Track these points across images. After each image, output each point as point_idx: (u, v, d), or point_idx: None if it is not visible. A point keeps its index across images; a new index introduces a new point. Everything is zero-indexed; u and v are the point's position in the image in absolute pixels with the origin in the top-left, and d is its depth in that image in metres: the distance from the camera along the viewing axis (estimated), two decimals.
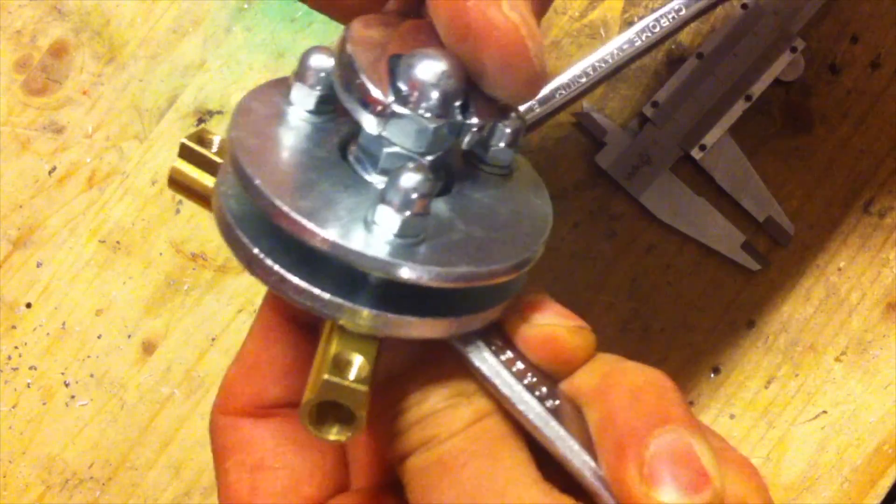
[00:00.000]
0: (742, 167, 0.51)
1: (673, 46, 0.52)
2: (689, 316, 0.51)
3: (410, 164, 0.24)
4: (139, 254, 0.52)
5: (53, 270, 0.52)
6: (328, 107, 0.27)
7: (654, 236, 0.51)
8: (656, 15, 0.52)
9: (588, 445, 0.24)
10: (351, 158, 0.26)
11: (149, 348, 0.52)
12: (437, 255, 0.24)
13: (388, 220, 0.23)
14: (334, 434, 0.22)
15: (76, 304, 0.52)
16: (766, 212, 0.51)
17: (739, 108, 0.51)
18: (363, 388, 0.22)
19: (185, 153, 0.30)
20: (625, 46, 0.52)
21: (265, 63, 0.53)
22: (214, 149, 0.30)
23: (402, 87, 0.25)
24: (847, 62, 0.52)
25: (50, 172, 0.52)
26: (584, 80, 0.52)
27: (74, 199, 0.52)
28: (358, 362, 0.23)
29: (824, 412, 0.50)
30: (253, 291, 0.52)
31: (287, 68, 0.53)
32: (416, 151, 0.25)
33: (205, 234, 0.52)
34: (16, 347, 0.52)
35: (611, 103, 0.52)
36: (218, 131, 0.54)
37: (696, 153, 0.50)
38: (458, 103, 0.25)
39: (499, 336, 0.25)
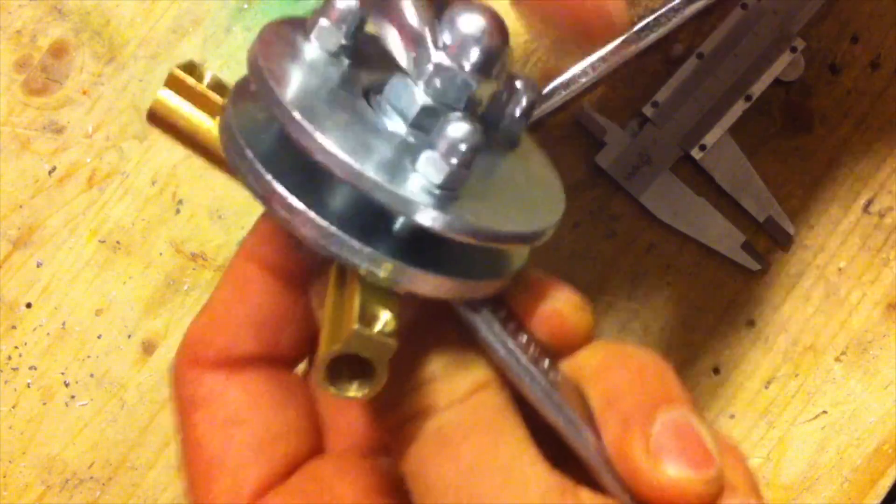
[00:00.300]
0: (742, 167, 0.51)
1: (673, 46, 0.52)
2: (689, 316, 0.51)
3: (457, 115, 0.23)
4: (139, 254, 0.52)
5: (53, 270, 0.52)
6: (349, 51, 0.26)
7: (654, 236, 0.51)
8: (656, 15, 0.52)
9: (588, 422, 0.23)
10: (374, 107, 0.25)
11: (149, 348, 0.52)
12: (475, 212, 0.23)
13: (433, 169, 0.22)
14: (353, 391, 0.21)
15: (76, 304, 0.52)
16: (766, 212, 0.51)
17: (739, 108, 0.51)
18: (392, 342, 0.21)
19: (174, 84, 0.28)
20: (625, 46, 0.52)
21: None
22: (205, 82, 0.28)
23: (447, 37, 0.24)
24: (847, 62, 0.52)
25: (50, 172, 0.52)
26: (584, 79, 0.52)
27: (74, 199, 0.52)
28: (385, 316, 0.21)
29: (824, 412, 0.50)
30: None
31: None
32: (450, 106, 0.24)
33: (205, 234, 0.52)
34: (16, 347, 0.52)
35: (611, 103, 0.52)
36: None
37: (696, 153, 0.50)
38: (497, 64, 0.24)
39: (503, 308, 0.25)
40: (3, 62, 0.53)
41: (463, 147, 0.22)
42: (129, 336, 0.52)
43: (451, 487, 0.21)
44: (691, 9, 0.52)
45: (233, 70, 0.53)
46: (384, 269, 0.23)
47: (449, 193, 0.23)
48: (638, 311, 0.51)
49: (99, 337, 0.52)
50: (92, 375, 0.52)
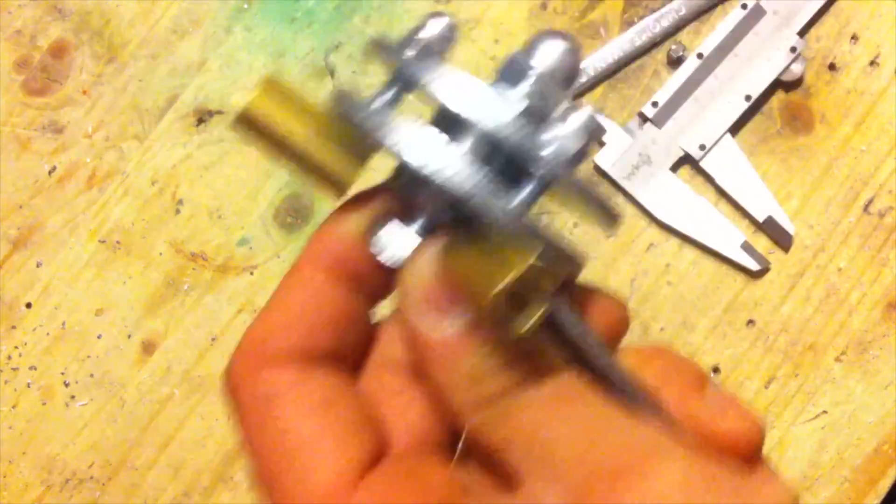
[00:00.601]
0: (742, 167, 0.51)
1: (673, 46, 0.52)
2: (689, 316, 0.51)
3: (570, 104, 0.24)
4: (139, 254, 0.52)
5: (53, 270, 0.52)
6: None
7: (654, 236, 0.51)
8: (656, 15, 0.52)
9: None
10: None
11: (149, 348, 0.52)
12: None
13: (564, 141, 0.24)
14: (529, 323, 0.22)
15: (76, 304, 0.52)
16: (766, 212, 0.51)
17: (739, 108, 0.51)
18: (558, 276, 0.23)
19: (269, 89, 0.27)
20: (625, 46, 0.52)
21: (265, 63, 0.53)
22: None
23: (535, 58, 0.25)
24: (847, 62, 0.52)
25: (50, 172, 0.52)
26: (584, 79, 0.52)
27: (74, 199, 0.52)
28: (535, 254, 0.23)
29: (824, 412, 0.50)
30: (253, 291, 0.52)
31: (287, 68, 0.53)
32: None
33: (205, 234, 0.52)
34: (16, 347, 0.52)
35: (611, 103, 0.52)
36: (218, 130, 0.54)
37: (696, 153, 0.50)
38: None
39: (568, 296, 0.25)
40: (3, 62, 0.53)
41: (588, 128, 0.24)
42: (129, 336, 0.52)
43: (576, 441, 0.22)
44: (691, 9, 0.52)
45: (233, 70, 0.53)
46: (522, 222, 0.23)
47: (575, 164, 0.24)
48: (638, 311, 0.51)
49: (99, 337, 0.52)
50: (92, 375, 0.52)
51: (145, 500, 0.51)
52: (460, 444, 0.24)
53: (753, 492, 0.23)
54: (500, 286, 0.21)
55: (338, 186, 0.26)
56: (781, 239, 0.51)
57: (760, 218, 0.51)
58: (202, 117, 0.53)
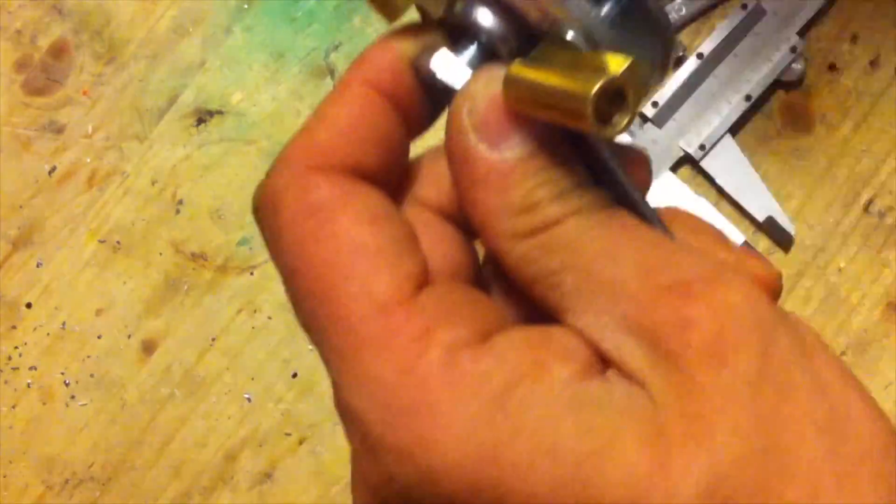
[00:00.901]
0: (742, 167, 0.51)
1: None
2: None
3: None
4: (139, 254, 0.52)
5: (53, 270, 0.52)
6: None
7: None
8: None
9: None
10: None
11: (149, 348, 0.52)
12: None
13: None
14: (619, 124, 0.22)
15: (76, 304, 0.52)
16: (766, 212, 0.51)
17: (739, 108, 0.51)
18: (646, 85, 0.23)
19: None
20: None
21: (265, 63, 0.53)
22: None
23: None
24: (847, 62, 0.52)
25: (50, 172, 0.52)
26: None
27: (74, 199, 0.52)
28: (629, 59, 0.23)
29: None
30: (253, 291, 0.52)
31: (287, 68, 0.53)
32: None
33: (205, 234, 0.52)
34: (16, 347, 0.52)
35: None
36: (218, 130, 0.54)
37: (696, 153, 0.50)
38: None
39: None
40: (3, 62, 0.53)
41: None
42: (129, 336, 0.52)
43: (638, 265, 0.23)
44: (691, 9, 0.52)
45: (233, 70, 0.53)
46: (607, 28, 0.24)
47: None
48: None
49: (99, 337, 0.52)
50: (92, 375, 0.52)
51: (145, 500, 0.51)
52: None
53: (799, 322, 0.24)
54: (602, 82, 0.21)
55: (392, 8, 0.26)
56: (781, 239, 0.51)
57: (760, 218, 0.51)
58: (202, 117, 0.53)
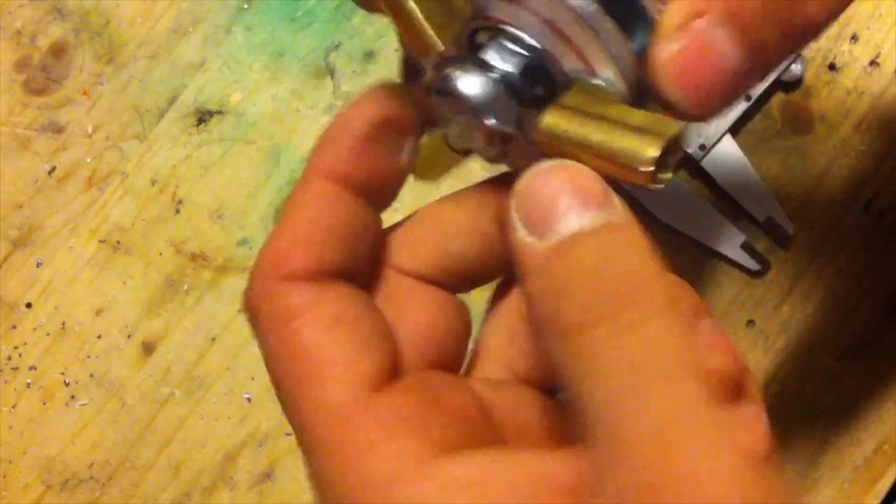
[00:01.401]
0: (742, 167, 0.51)
1: None
2: None
3: None
4: (139, 254, 0.52)
5: (53, 270, 0.52)
6: None
7: (654, 236, 0.51)
8: None
9: None
10: None
11: (149, 348, 0.52)
12: None
13: None
14: (669, 175, 0.24)
15: (76, 304, 0.52)
16: (766, 212, 0.51)
17: (739, 108, 0.51)
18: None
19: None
20: None
21: (265, 63, 0.53)
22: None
23: None
24: (847, 62, 0.52)
25: (50, 172, 0.52)
26: None
27: (74, 199, 0.52)
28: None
29: (824, 412, 0.50)
30: None
31: (287, 68, 0.53)
32: None
33: (205, 234, 0.52)
34: (16, 347, 0.52)
35: None
36: (219, 130, 0.54)
37: (696, 153, 0.50)
38: None
39: None
40: (3, 62, 0.53)
41: None
42: (129, 336, 0.52)
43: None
44: None
45: (233, 70, 0.53)
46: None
47: None
48: None
49: (99, 337, 0.52)
50: (92, 375, 0.52)
51: (145, 500, 0.51)
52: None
53: (737, 420, 0.23)
54: (663, 144, 0.22)
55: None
56: (781, 239, 0.51)
57: (760, 218, 0.51)
58: (202, 117, 0.53)
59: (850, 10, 0.52)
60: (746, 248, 0.51)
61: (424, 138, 0.28)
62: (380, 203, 0.27)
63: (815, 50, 0.52)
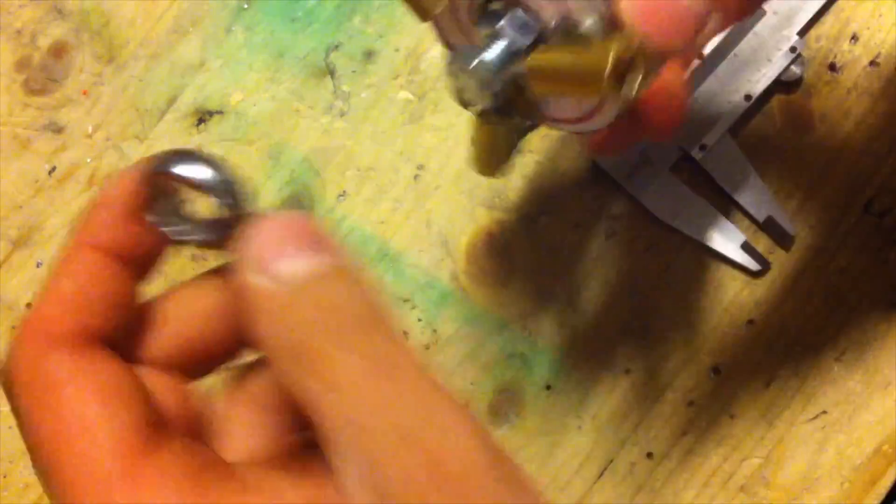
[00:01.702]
0: (742, 167, 0.51)
1: None
2: (689, 316, 0.51)
3: None
4: None
5: None
6: None
7: (654, 236, 0.51)
8: None
9: None
10: None
11: None
12: None
13: None
14: (634, 83, 0.27)
15: None
16: (766, 212, 0.51)
17: (739, 108, 0.51)
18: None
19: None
20: None
21: (265, 63, 0.53)
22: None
23: None
24: (847, 62, 0.52)
25: (50, 172, 0.52)
26: None
27: (74, 199, 0.52)
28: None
29: (824, 412, 0.50)
30: None
31: (287, 68, 0.53)
32: None
33: None
34: None
35: None
36: (219, 130, 0.54)
37: (696, 153, 0.50)
38: None
39: None
40: (3, 62, 0.53)
41: None
42: None
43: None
44: None
45: (233, 70, 0.53)
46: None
47: None
48: (638, 311, 0.51)
49: None
50: None
51: None
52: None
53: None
54: (615, 51, 0.26)
55: (423, 12, 0.31)
56: (781, 239, 0.51)
57: (760, 218, 0.51)
58: (202, 117, 0.53)
59: (850, 10, 0.52)
60: (746, 248, 0.51)
61: (477, 132, 0.34)
62: (141, 273, 0.28)
63: (815, 50, 0.52)
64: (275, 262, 0.25)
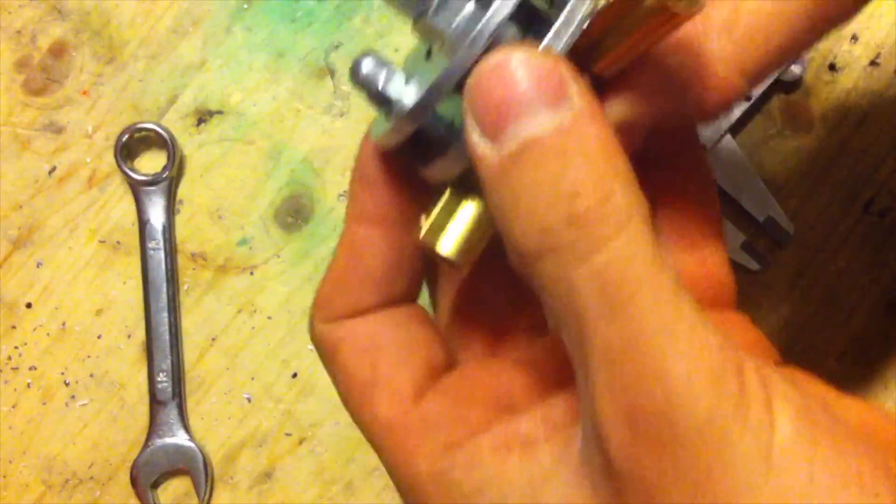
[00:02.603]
0: (742, 167, 0.51)
1: None
2: None
3: None
4: (139, 254, 0.52)
5: (53, 270, 0.52)
6: None
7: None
8: None
9: None
10: None
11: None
12: None
13: None
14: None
15: (76, 304, 0.52)
16: (766, 212, 0.51)
17: (739, 108, 0.51)
18: None
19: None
20: None
21: (265, 63, 0.53)
22: None
23: None
24: (847, 62, 0.52)
25: (50, 172, 0.52)
26: None
27: (74, 199, 0.52)
28: None
29: None
30: (252, 291, 0.52)
31: (287, 68, 0.53)
32: None
33: (205, 234, 0.52)
34: (16, 347, 0.52)
35: None
36: (219, 130, 0.54)
37: None
38: None
39: None
40: (3, 62, 0.53)
41: None
42: (129, 336, 0.52)
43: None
44: None
45: (233, 70, 0.53)
46: None
47: None
48: None
49: (99, 337, 0.52)
50: (92, 375, 0.52)
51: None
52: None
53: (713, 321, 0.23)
54: None
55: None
56: (781, 239, 0.51)
57: (760, 218, 0.51)
58: (202, 117, 0.53)
59: None
60: (746, 247, 0.51)
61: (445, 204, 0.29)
62: (417, 203, 0.29)
63: (815, 50, 0.52)
64: (502, 127, 0.22)
